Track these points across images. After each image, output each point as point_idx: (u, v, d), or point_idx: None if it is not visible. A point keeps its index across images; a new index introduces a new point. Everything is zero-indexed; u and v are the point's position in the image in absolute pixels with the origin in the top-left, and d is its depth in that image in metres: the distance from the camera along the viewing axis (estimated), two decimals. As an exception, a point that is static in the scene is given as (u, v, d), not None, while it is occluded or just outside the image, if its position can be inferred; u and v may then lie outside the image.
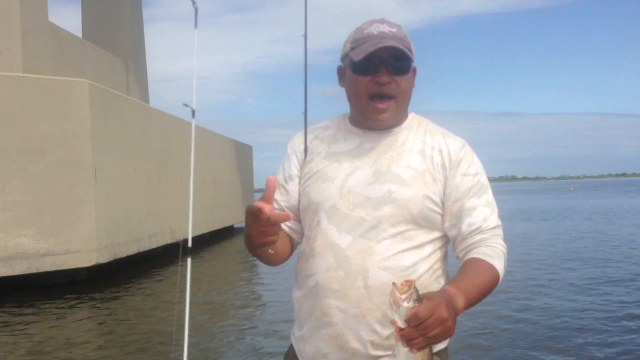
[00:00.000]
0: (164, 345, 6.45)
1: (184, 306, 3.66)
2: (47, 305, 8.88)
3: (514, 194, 67.33)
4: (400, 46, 1.51)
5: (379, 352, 1.52)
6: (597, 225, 19.74)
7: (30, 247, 9.98)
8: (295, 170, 1.68)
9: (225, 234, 19.82)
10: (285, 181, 1.68)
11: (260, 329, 7.10)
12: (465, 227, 1.54)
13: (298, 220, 1.68)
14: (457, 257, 1.59)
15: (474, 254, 1.49)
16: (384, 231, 1.51)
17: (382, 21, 1.57)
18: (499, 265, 1.48)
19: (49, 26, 13.54)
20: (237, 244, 19.97)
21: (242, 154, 25.00)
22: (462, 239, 1.55)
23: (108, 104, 11.64)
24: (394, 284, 1.22)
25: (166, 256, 14.00)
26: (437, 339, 1.20)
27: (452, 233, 1.58)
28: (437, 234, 1.57)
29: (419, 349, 1.20)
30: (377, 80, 1.53)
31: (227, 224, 21.06)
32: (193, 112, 3.88)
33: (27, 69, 11.57)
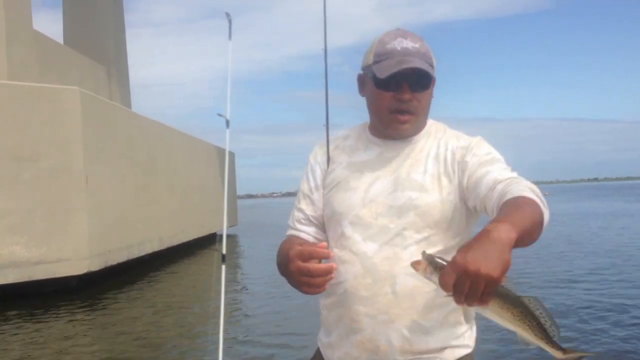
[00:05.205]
0: (156, 352, 6.47)
1: (219, 314, 3.69)
2: (39, 314, 8.82)
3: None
4: (424, 67, 1.52)
5: (409, 358, 1.54)
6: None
7: (22, 256, 9.90)
8: (320, 181, 1.71)
9: (209, 240, 19.73)
10: (311, 192, 1.72)
11: (268, 333, 7.13)
12: (484, 189, 1.47)
13: (324, 229, 1.71)
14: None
15: (502, 199, 1.37)
16: (409, 238, 1.54)
17: (405, 35, 1.58)
18: (533, 196, 1.33)
19: (33, 33, 13.46)
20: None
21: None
22: (484, 200, 1.47)
23: (99, 111, 11.63)
24: (412, 265, 1.24)
25: (153, 263, 13.96)
26: (479, 286, 1.09)
27: (474, 204, 1.52)
28: (461, 238, 1.59)
29: (482, 302, 1.13)
30: (399, 97, 1.56)
31: (212, 230, 21.00)
32: (227, 122, 3.90)
33: (11, 76, 11.48)
